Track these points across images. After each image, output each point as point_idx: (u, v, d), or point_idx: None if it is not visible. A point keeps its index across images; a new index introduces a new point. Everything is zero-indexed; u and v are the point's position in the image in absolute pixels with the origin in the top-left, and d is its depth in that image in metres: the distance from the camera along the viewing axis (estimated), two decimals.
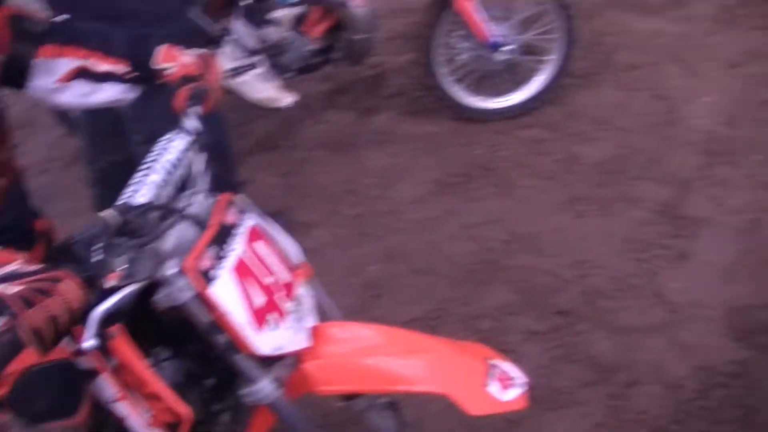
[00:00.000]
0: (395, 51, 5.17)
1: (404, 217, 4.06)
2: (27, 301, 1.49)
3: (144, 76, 2.36)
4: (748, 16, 5.38)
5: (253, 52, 4.14)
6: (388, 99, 4.82)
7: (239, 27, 4.09)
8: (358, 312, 3.45)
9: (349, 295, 3.61)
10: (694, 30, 5.29)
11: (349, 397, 2.33)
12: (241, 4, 4.05)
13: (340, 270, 3.75)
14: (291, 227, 2.26)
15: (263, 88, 4.20)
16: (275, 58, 4.26)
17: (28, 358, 1.57)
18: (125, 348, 1.86)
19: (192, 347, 2.09)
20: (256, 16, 4.06)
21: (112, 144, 3.99)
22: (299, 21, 4.18)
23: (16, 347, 1.47)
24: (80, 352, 1.87)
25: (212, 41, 4.17)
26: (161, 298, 1.85)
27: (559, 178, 4.23)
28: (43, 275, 1.56)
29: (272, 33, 4.11)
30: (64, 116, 4.54)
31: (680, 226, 3.93)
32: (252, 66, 4.17)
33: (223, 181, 2.14)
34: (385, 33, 5.00)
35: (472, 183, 4.23)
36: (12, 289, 1.51)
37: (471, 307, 3.60)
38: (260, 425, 2.16)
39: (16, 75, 2.25)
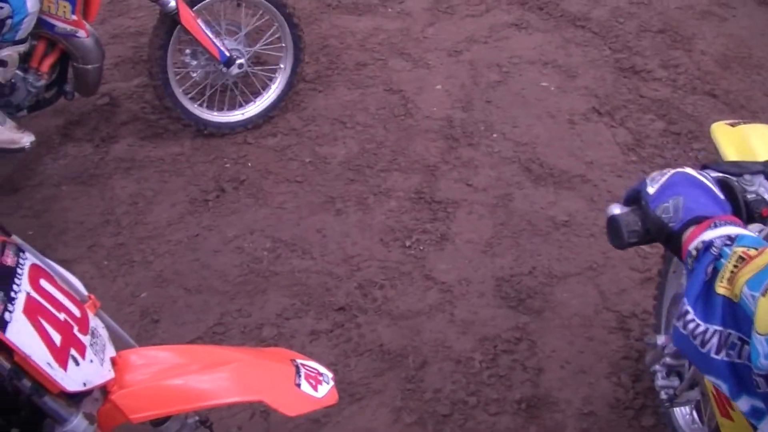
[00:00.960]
0: (123, 77, 5.05)
1: (166, 239, 3.97)
2: None
3: None
4: (461, 5, 5.61)
5: None
6: (125, 125, 4.70)
7: None
8: (139, 340, 3.35)
9: (127, 325, 3.50)
10: (412, 24, 5.47)
11: (160, 421, 2.25)
12: None
13: (112, 301, 3.63)
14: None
15: None
16: (5, 99, 4.07)
17: None
18: None
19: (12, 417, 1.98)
20: None
21: None
22: (25, 57, 4.01)
23: None
24: None
25: None
26: None
27: (311, 181, 4.26)
28: None
29: (0, 73, 3.92)
30: None
31: (436, 210, 4.06)
32: None
33: None
34: (110, 59, 4.90)
35: (226, 196, 4.19)
36: None
37: (251, 318, 3.57)
38: None
39: None
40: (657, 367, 2.79)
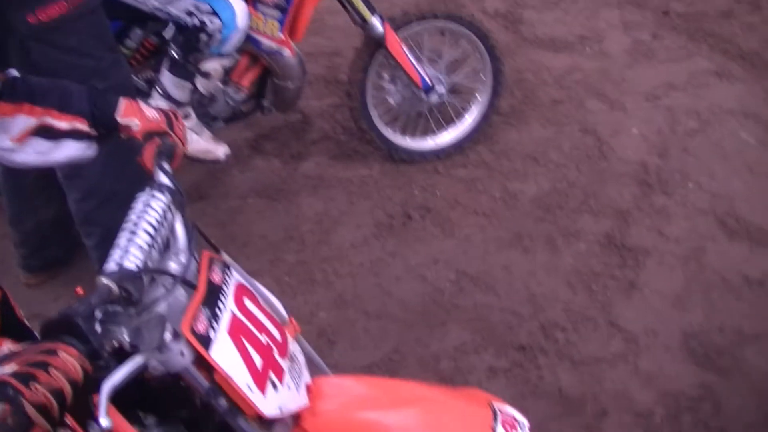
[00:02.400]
0: (316, 95, 5.12)
1: (348, 261, 3.99)
2: (25, 377, 1.39)
3: (106, 132, 2.26)
4: (662, 49, 5.50)
5: (181, 104, 4.04)
6: (315, 144, 4.75)
7: (167, 79, 3.98)
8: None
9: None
10: (610, 64, 5.38)
11: None
12: (170, 55, 3.95)
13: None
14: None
15: (196, 140, 4.09)
16: (204, 109, 4.17)
17: None
18: (115, 418, 1.74)
19: (179, 412, 1.99)
20: (185, 68, 3.95)
21: (38, 202, 3.87)
22: (228, 70, 4.10)
23: (24, 427, 1.36)
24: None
25: (139, 94, 4.07)
26: (156, 365, 1.75)
27: (500, 216, 4.22)
28: (37, 348, 1.46)
29: (202, 85, 4.01)
30: None
31: (625, 256, 3.96)
32: (184, 118, 4.06)
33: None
34: None
35: (413, 224, 4.19)
36: (7, 369, 1.41)
37: (429, 349, 3.55)
38: None
39: None
40: None
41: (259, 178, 4.54)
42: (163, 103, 4.00)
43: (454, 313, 3.71)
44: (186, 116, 4.10)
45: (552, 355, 3.49)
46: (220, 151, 4.19)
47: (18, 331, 2.36)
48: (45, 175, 3.60)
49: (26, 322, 2.44)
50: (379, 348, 3.57)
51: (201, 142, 4.14)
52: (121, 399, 1.71)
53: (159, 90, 4.03)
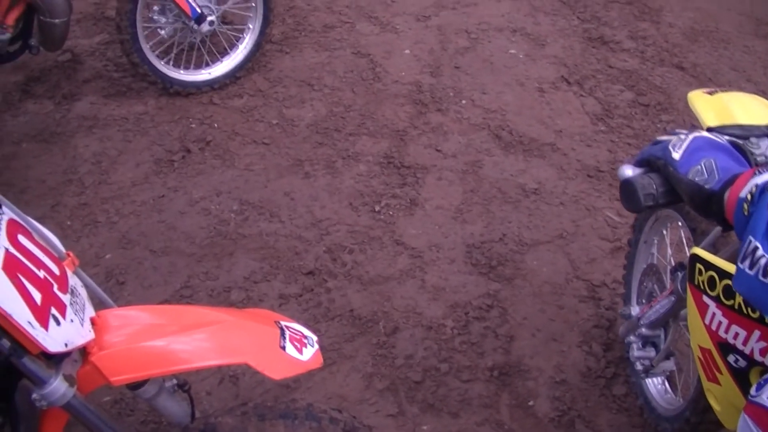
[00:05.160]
0: (85, 33, 4.96)
1: (131, 199, 3.90)
2: None
3: None
4: None
5: None
6: (87, 83, 4.61)
7: None
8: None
9: None
10: None
11: (137, 384, 2.19)
12: None
13: None
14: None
15: None
16: None
17: None
18: None
19: None
20: None
21: None
22: None
23: None
24: None
25: None
26: None
27: (279, 143, 4.21)
28: None
29: None
30: None
31: (405, 175, 4.03)
32: None
33: None
34: (72, 16, 4.78)
35: (192, 157, 4.13)
36: None
37: (219, 281, 3.52)
38: (52, 429, 2.01)
39: None
40: (632, 338, 2.80)
41: (32, 121, 4.37)
42: None
43: (240, 242, 3.69)
44: None
45: (341, 278, 3.53)
46: None
47: None
48: None
49: None
50: (169, 284, 3.51)
51: None
52: None
53: None
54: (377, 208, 3.84)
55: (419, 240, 3.71)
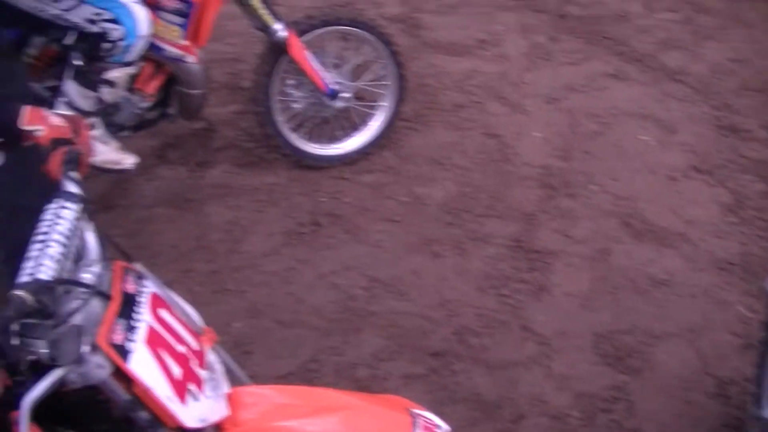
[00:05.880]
0: (220, 102, 5.07)
1: (260, 270, 3.96)
2: None
3: (10, 139, 2.21)
4: (560, 52, 5.57)
5: (87, 114, 3.97)
6: (220, 151, 4.71)
7: (71, 88, 3.90)
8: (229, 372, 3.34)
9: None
10: (509, 68, 5.43)
11: None
12: (72, 63, 3.87)
13: None
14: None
15: (103, 151, 4.02)
16: (109, 118, 4.10)
17: None
18: None
19: (99, 427, 1.95)
20: (89, 77, 3.88)
21: None
22: (132, 78, 4.04)
23: None
24: None
25: (42, 103, 3.98)
26: (74, 378, 1.71)
27: (408, 221, 4.24)
28: None
29: (107, 94, 3.94)
30: None
31: (533, 259, 4.02)
32: (90, 128, 3.98)
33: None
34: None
35: (322, 231, 4.18)
36: None
37: (345, 357, 3.54)
38: None
39: None
40: None
41: (166, 187, 4.48)
42: (67, 113, 3.92)
43: (368, 319, 3.71)
44: (92, 126, 4.03)
45: (467, 360, 3.52)
46: (128, 160, 4.12)
47: None
48: None
49: None
50: (296, 357, 3.55)
51: (109, 153, 4.07)
52: (37, 413, 1.68)
53: (63, 99, 3.95)
54: (505, 292, 3.83)
55: (547, 326, 3.69)
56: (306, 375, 3.46)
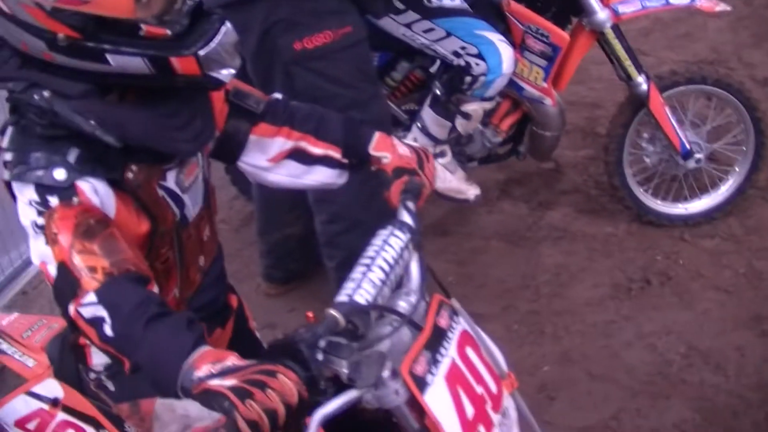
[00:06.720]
0: (572, 145, 5.11)
1: (581, 318, 3.96)
2: (242, 393, 1.45)
3: (357, 162, 2.34)
4: None
5: (439, 141, 4.13)
6: (564, 194, 4.75)
7: (427, 115, 4.08)
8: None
9: (522, 395, 3.50)
10: None
11: None
12: (433, 92, 4.04)
13: (513, 368, 3.63)
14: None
15: (449, 179, 4.17)
16: (460, 148, 4.25)
17: None
18: None
19: None
20: (447, 107, 4.03)
21: (288, 218, 4.02)
22: (489, 113, 4.16)
23: None
24: None
25: (398, 126, 4.18)
26: (371, 399, 1.80)
27: (742, 294, 4.09)
28: (259, 368, 1.52)
29: (462, 125, 4.08)
30: (237, 178, 4.60)
31: None
32: (439, 155, 4.15)
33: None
34: None
35: (651, 290, 4.12)
36: (227, 382, 1.48)
37: (647, 421, 3.48)
38: None
39: (229, 150, 2.26)
40: None
41: (505, 221, 4.58)
42: (421, 138, 4.10)
43: (679, 387, 3.62)
44: (442, 154, 4.19)
45: None
46: (471, 192, 4.25)
47: (247, 341, 2.48)
48: (296, 193, 3.74)
49: (257, 333, 2.56)
50: (598, 411, 3.52)
51: (453, 181, 4.22)
52: (333, 425, 1.78)
53: (419, 125, 4.13)
54: None
55: None
56: (605, 431, 3.43)
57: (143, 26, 1.72)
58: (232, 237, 4.84)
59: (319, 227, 3.73)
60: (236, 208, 5.05)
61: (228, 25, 1.84)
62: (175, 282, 2.11)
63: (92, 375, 2.21)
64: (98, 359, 2.17)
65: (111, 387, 2.20)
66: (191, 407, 1.45)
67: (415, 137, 4.12)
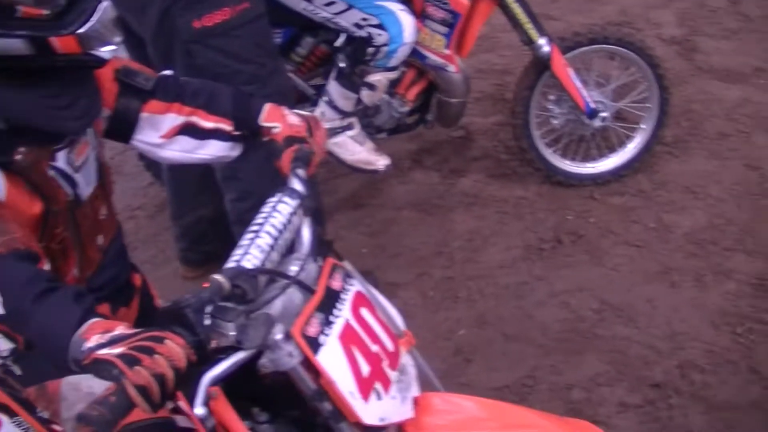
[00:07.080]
0: (482, 112, 5.15)
1: (494, 281, 4.02)
2: (130, 360, 1.49)
3: (248, 134, 2.36)
4: None
5: (346, 114, 4.15)
6: (475, 161, 4.79)
7: (333, 89, 4.10)
8: (446, 377, 3.35)
9: (438, 359, 3.54)
10: None
11: None
12: (337, 65, 4.05)
13: (429, 333, 3.70)
14: (379, 287, 2.23)
15: (358, 150, 4.20)
16: (368, 119, 4.27)
17: (134, 416, 1.54)
18: (224, 409, 1.80)
19: (291, 412, 2.06)
20: (351, 79, 4.05)
21: (199, 199, 4.02)
22: (394, 83, 4.18)
23: (125, 407, 1.45)
24: (177, 411, 1.85)
25: (305, 101, 4.20)
26: (266, 363, 1.83)
27: (651, 247, 4.17)
28: (146, 335, 1.55)
29: (368, 96, 4.10)
30: (151, 164, 4.59)
31: None
32: (347, 127, 4.17)
33: (320, 241, 2.12)
34: (472, 94, 4.94)
35: (562, 249, 4.18)
36: (115, 350, 1.51)
37: (562, 377, 3.54)
38: None
39: (121, 128, 2.27)
40: None
41: (417, 191, 4.61)
42: (329, 112, 4.12)
43: (592, 342, 3.69)
44: (350, 126, 4.21)
45: (686, 396, 3.42)
46: (381, 162, 4.28)
47: (154, 320, 2.50)
48: (206, 174, 3.74)
49: None
50: (513, 371, 3.58)
51: (363, 153, 4.24)
52: (240, 393, 1.82)
53: (325, 98, 4.15)
54: (739, 330, 3.69)
55: None
56: (520, 390, 3.49)
57: (20, 7, 1.72)
58: (148, 223, 4.83)
59: (228, 206, 3.73)
60: (151, 194, 5.03)
61: (106, 1, 1.85)
62: (73, 261, 2.12)
63: None
64: (2, 344, 2.17)
65: (17, 371, 2.20)
66: (96, 384, 1.47)
67: (323, 111, 4.14)
